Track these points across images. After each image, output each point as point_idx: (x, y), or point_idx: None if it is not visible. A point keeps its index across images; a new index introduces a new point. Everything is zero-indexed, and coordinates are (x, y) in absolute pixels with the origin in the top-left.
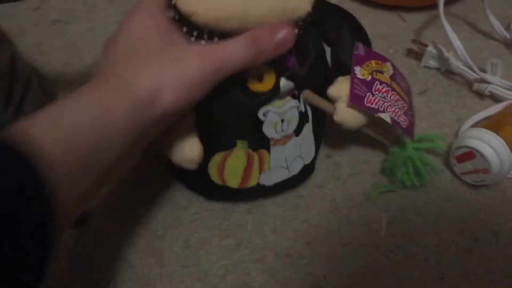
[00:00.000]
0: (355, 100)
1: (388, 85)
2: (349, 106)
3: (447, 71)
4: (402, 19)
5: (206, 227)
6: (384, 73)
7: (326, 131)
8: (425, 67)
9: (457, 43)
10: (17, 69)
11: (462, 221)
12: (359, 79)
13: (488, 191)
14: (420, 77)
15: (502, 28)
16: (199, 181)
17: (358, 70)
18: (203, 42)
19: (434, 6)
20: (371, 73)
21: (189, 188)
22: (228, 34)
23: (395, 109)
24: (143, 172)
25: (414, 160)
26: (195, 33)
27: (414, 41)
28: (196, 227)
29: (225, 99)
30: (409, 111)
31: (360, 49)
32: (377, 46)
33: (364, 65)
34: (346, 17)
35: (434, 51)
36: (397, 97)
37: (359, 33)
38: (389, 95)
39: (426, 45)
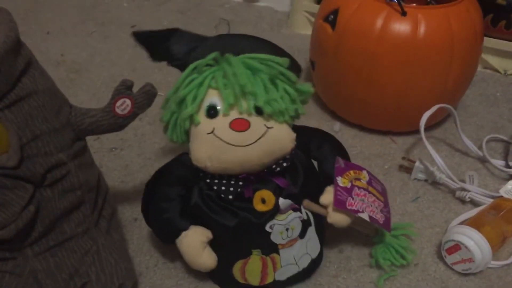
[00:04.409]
0: (338, 204)
1: (365, 190)
2: (334, 210)
3: (434, 182)
4: (393, 142)
5: None
6: (362, 180)
7: (338, 231)
8: (415, 179)
9: (438, 159)
10: (101, 184)
11: None
12: (341, 187)
13: (475, 278)
14: (412, 188)
15: (475, 148)
16: (227, 282)
17: (339, 180)
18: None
19: (419, 130)
20: (351, 181)
21: (222, 287)
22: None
23: (373, 209)
24: None
25: (393, 245)
26: (209, 176)
27: (404, 158)
28: None
29: (239, 221)
30: (385, 209)
31: (340, 162)
32: (374, 163)
33: (344, 175)
34: (326, 137)
35: (421, 166)
36: (373, 198)
37: (339, 149)
38: (366, 198)
39: (414, 161)
